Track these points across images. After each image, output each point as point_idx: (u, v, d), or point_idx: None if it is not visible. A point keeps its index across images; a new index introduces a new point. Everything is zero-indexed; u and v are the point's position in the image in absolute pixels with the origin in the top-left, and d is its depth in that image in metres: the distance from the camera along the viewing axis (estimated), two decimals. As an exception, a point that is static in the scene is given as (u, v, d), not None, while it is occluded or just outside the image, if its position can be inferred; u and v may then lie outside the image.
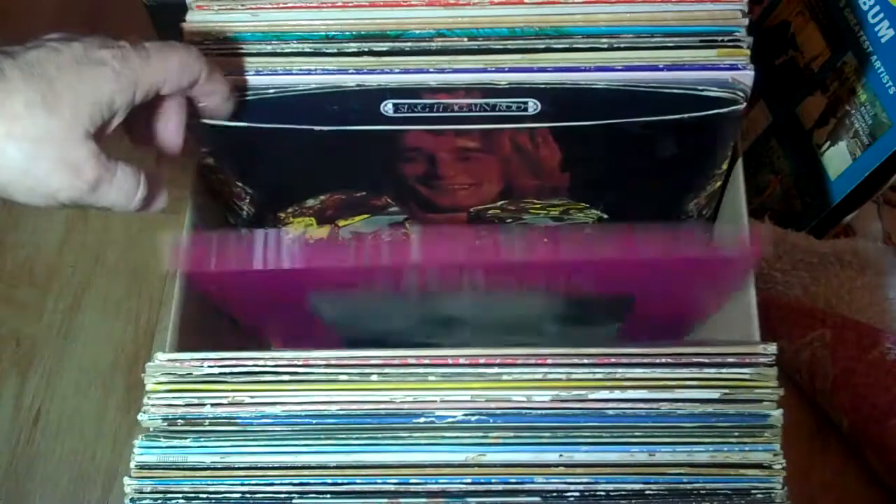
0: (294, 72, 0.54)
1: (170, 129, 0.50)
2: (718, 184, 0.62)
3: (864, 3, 0.75)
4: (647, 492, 0.50)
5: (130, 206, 0.47)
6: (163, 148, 0.51)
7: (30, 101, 0.42)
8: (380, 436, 0.51)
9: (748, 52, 0.53)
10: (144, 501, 0.51)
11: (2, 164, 0.42)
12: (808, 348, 0.82)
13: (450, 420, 0.51)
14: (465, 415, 0.51)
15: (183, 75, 0.47)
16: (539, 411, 0.51)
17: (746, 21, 0.53)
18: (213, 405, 0.52)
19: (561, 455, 0.51)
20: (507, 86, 0.53)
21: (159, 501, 0.51)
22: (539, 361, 0.51)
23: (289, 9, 0.55)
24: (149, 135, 0.50)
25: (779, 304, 0.84)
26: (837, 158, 0.79)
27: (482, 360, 0.51)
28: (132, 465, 0.51)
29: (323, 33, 0.55)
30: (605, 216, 0.62)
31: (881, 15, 0.74)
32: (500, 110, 0.53)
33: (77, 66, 0.43)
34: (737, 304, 0.61)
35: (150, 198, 0.48)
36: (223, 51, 0.55)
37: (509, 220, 0.63)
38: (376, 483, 0.51)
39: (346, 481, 0.51)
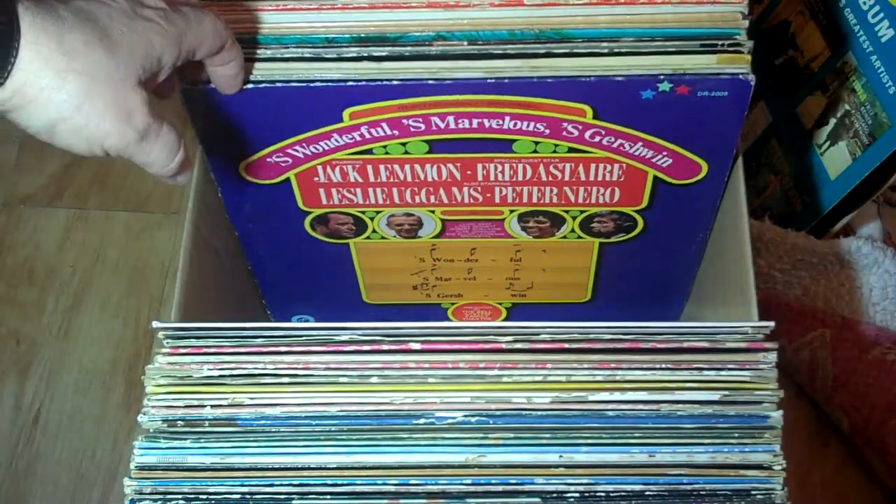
0: (293, 80, 0.54)
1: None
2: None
3: (864, 3, 0.75)
4: (647, 493, 0.50)
5: (169, 166, 0.47)
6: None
7: (87, 39, 0.42)
8: (380, 437, 0.51)
9: (748, 57, 0.53)
10: (144, 502, 0.51)
11: (59, 99, 0.42)
12: (808, 348, 0.82)
13: (450, 421, 0.51)
14: (465, 416, 0.51)
15: (216, 39, 0.49)
16: (539, 412, 0.51)
17: (747, 23, 0.53)
18: (212, 406, 0.52)
19: (561, 456, 0.51)
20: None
21: (159, 502, 0.51)
22: (539, 366, 0.51)
23: (289, 11, 0.55)
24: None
25: (779, 303, 0.84)
26: (837, 158, 0.79)
27: (482, 365, 0.51)
28: (132, 465, 0.51)
29: (323, 35, 0.55)
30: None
31: (881, 15, 0.74)
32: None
33: (128, 19, 0.44)
34: (737, 304, 0.61)
35: (185, 164, 0.48)
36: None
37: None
38: (376, 484, 0.51)
39: (346, 482, 0.51)
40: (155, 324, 0.53)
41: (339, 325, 0.52)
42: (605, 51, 0.53)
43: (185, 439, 0.52)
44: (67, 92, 0.42)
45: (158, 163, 0.46)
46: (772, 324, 0.51)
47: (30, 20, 0.41)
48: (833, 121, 0.80)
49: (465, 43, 0.54)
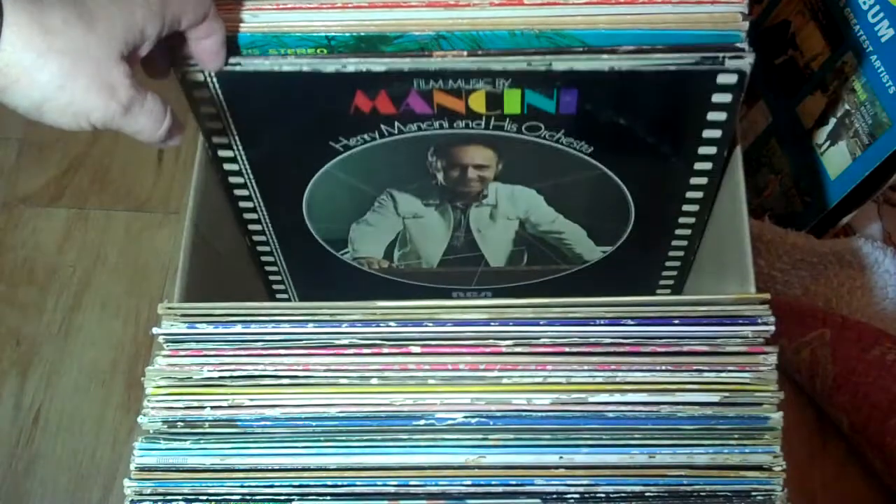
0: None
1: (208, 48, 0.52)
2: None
3: (864, 3, 0.75)
4: (646, 493, 0.50)
5: (157, 134, 0.48)
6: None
7: (67, 17, 0.42)
8: (380, 438, 0.51)
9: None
10: (144, 503, 0.51)
11: (41, 80, 0.42)
12: (808, 348, 0.82)
13: (450, 422, 0.51)
14: (466, 417, 0.51)
15: (199, 7, 0.49)
16: (539, 413, 0.51)
17: (747, 24, 0.53)
18: (213, 408, 0.52)
19: (561, 457, 0.51)
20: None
21: (159, 503, 0.51)
22: (539, 367, 0.51)
23: (289, 10, 0.55)
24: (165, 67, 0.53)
25: (779, 303, 0.83)
26: (837, 158, 0.79)
27: (482, 366, 0.51)
28: (132, 466, 0.51)
29: (323, 34, 0.55)
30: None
31: (881, 15, 0.74)
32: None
33: None
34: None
35: (174, 129, 0.49)
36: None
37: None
38: (376, 485, 0.51)
39: (346, 483, 0.51)
40: (155, 330, 0.53)
41: (339, 330, 0.52)
42: (606, 69, 0.53)
43: (185, 440, 0.52)
44: (50, 72, 0.42)
45: (146, 131, 0.47)
46: (772, 328, 0.51)
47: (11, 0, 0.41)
48: (833, 120, 0.80)
49: (465, 54, 0.54)
